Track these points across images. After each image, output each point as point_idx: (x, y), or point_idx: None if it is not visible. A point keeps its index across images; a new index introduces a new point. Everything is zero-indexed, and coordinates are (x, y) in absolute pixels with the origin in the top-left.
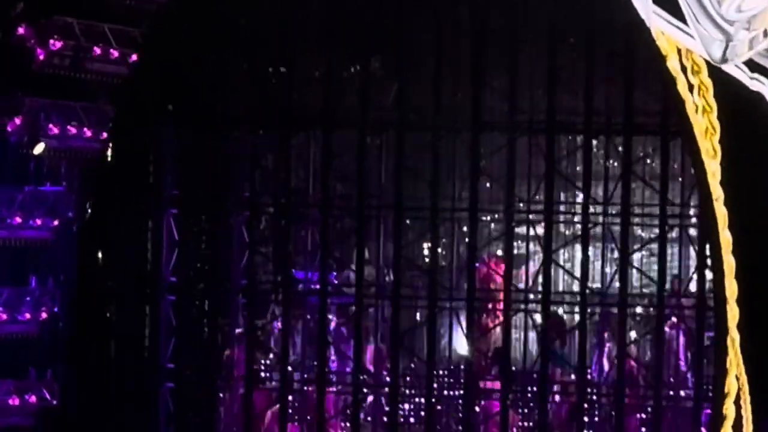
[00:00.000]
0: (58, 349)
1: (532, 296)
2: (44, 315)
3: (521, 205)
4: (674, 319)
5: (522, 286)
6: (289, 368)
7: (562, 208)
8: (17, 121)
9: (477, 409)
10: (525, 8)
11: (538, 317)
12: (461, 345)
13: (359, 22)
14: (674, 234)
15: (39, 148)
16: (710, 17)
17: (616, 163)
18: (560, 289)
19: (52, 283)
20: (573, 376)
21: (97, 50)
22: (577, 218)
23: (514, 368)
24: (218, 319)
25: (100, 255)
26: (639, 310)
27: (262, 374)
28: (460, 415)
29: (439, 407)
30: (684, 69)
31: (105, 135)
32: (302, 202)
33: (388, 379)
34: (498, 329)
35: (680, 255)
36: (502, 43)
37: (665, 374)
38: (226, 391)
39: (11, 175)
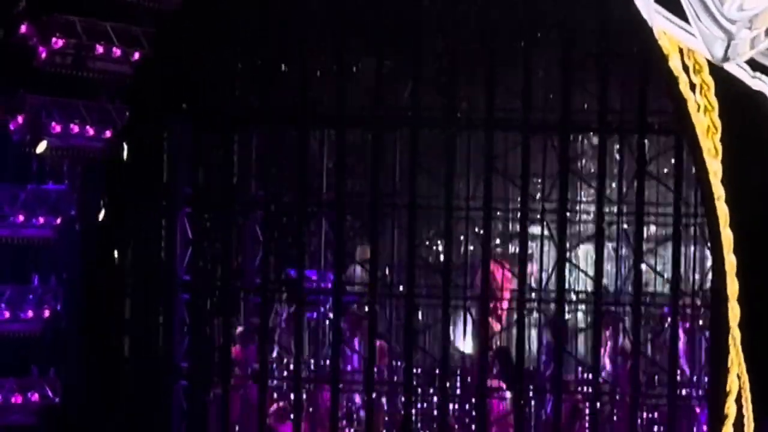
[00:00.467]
0: (61, 348)
1: (534, 295)
2: (47, 313)
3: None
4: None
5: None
6: (291, 366)
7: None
8: (19, 119)
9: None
10: (538, 5)
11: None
12: (466, 344)
13: (372, 19)
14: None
15: (41, 147)
16: (712, 16)
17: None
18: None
19: (55, 281)
20: (570, 376)
21: (100, 48)
22: (581, 217)
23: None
24: (231, 318)
25: (114, 254)
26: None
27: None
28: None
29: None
30: (686, 68)
31: (108, 133)
32: (316, 201)
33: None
34: (500, 328)
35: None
36: (515, 41)
37: (666, 374)
38: (234, 390)
39: (13, 173)
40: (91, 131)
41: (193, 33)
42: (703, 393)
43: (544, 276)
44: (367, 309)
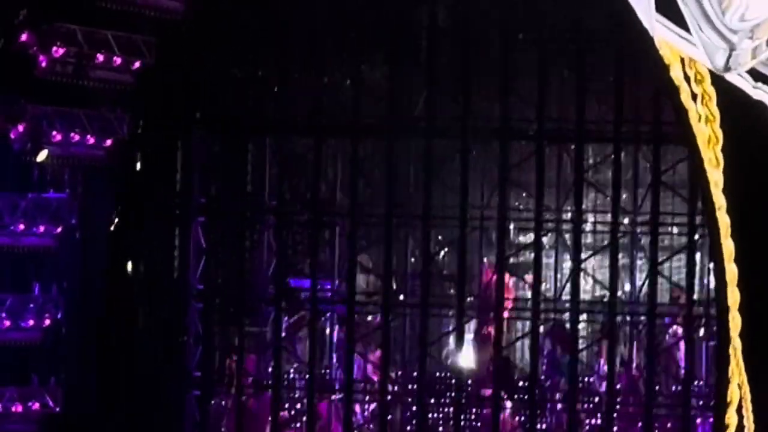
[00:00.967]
0: (62, 356)
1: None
2: (47, 322)
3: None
4: (677, 328)
5: (529, 294)
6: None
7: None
8: (20, 128)
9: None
10: (552, 15)
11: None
12: (465, 356)
13: (386, 29)
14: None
15: (42, 155)
16: (713, 26)
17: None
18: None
19: (56, 290)
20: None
21: (100, 57)
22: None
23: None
24: (244, 327)
25: (126, 263)
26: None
27: (266, 381)
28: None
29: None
30: (687, 78)
31: (109, 142)
32: (328, 211)
33: (391, 387)
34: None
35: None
36: (529, 50)
37: (666, 383)
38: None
39: (14, 182)
40: (91, 140)
41: (207, 43)
42: (703, 403)
43: (546, 285)
44: (369, 318)
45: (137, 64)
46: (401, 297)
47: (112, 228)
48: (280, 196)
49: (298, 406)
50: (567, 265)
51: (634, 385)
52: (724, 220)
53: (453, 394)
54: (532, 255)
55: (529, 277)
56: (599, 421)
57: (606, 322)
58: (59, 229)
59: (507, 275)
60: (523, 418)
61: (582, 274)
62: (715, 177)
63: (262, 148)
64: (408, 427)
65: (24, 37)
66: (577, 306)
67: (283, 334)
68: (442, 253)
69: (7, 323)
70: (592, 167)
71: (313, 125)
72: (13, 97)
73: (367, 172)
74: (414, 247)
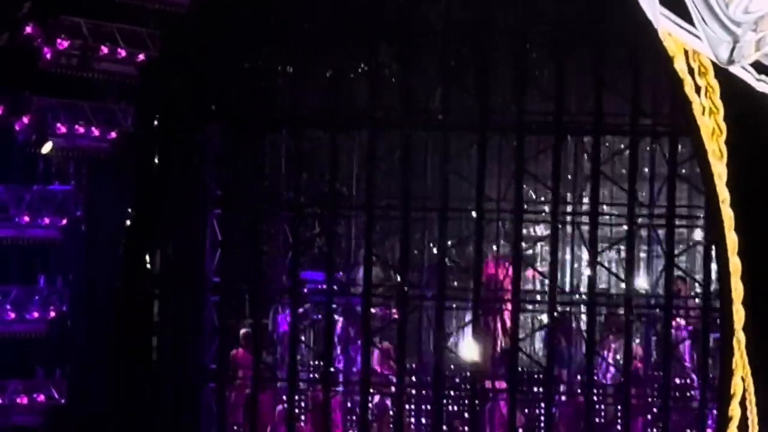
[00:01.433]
0: (67, 348)
1: (538, 296)
2: (53, 314)
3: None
4: (680, 320)
5: (530, 286)
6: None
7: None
8: (25, 120)
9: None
10: (568, 10)
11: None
12: (469, 349)
13: (402, 24)
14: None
15: (47, 147)
16: (717, 19)
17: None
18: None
19: (61, 282)
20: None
21: (105, 50)
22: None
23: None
24: (261, 319)
25: (143, 256)
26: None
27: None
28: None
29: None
30: (691, 70)
31: (114, 134)
32: (345, 204)
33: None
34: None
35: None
36: (546, 44)
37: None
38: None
39: (19, 174)
40: (96, 132)
41: (218, 36)
42: (710, 395)
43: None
44: (373, 311)
45: (141, 57)
46: (405, 289)
47: (128, 222)
48: (296, 188)
49: (301, 397)
50: (567, 258)
51: (638, 378)
52: (727, 213)
53: (467, 386)
54: (535, 248)
55: (529, 272)
56: (604, 413)
57: (608, 315)
58: (64, 222)
59: (510, 268)
60: (527, 410)
61: (586, 266)
62: (719, 169)
63: (277, 140)
64: (412, 419)
65: (29, 29)
66: (593, 299)
67: (286, 327)
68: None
69: (12, 315)
70: (609, 159)
71: (328, 118)
72: (18, 90)
73: (382, 165)
74: (422, 239)
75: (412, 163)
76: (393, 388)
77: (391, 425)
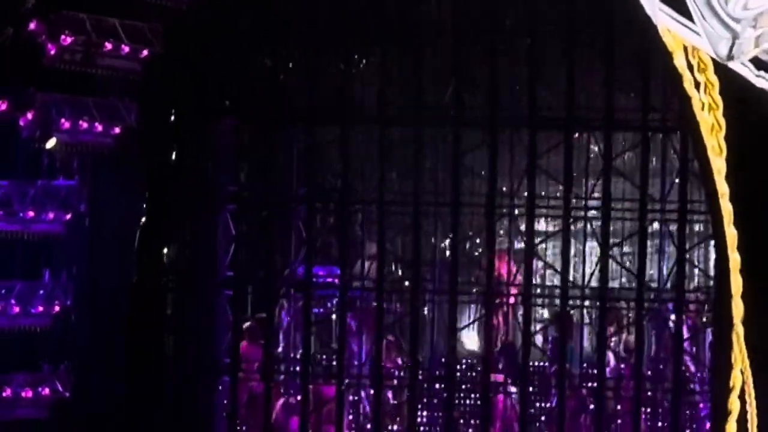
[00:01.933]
0: (72, 342)
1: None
2: (57, 308)
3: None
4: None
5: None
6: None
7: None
8: (29, 115)
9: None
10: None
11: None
12: (470, 341)
13: (411, 20)
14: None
15: (51, 143)
16: (717, 15)
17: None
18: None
19: (65, 276)
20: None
21: (108, 45)
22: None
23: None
24: (271, 313)
25: (160, 251)
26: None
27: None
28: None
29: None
30: (690, 66)
31: (117, 129)
32: (357, 199)
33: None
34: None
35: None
36: (558, 40)
37: (668, 369)
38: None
39: (24, 169)
40: (99, 127)
41: (226, 34)
42: (707, 389)
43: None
44: (374, 305)
45: (145, 53)
46: (406, 283)
47: (142, 217)
48: (308, 184)
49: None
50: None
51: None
52: (726, 208)
53: (475, 375)
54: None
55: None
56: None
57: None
58: (68, 217)
59: (512, 262)
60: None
61: (595, 261)
62: (718, 164)
63: (289, 136)
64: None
65: (33, 25)
66: (603, 294)
67: (289, 320)
68: (448, 241)
69: (17, 309)
70: (620, 155)
71: (339, 115)
72: (23, 86)
73: (395, 160)
74: (424, 234)
75: (424, 159)
76: (395, 381)
77: (397, 417)
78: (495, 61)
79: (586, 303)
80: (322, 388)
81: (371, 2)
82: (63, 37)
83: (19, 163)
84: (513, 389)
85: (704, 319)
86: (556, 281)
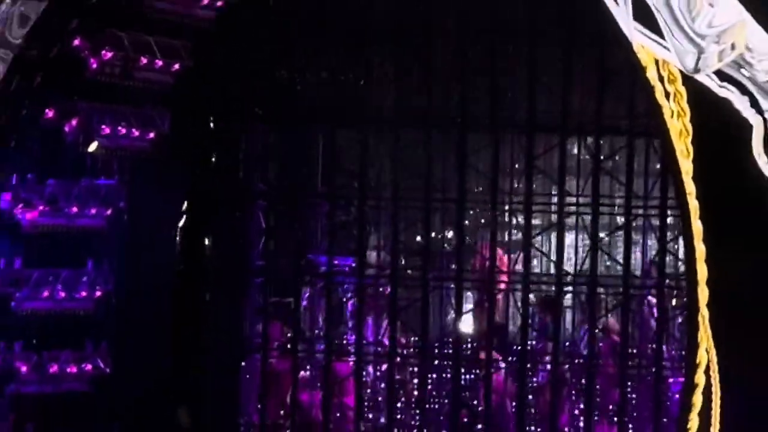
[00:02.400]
0: (111, 324)
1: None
2: (98, 293)
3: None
4: (651, 298)
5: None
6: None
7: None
8: (73, 122)
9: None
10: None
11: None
12: (465, 324)
13: (420, 24)
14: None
15: (93, 146)
16: (684, 32)
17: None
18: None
19: (107, 265)
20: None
21: (144, 60)
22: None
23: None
24: (299, 300)
25: (202, 243)
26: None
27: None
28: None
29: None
30: (661, 78)
31: (152, 134)
32: (374, 196)
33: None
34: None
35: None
36: (553, 46)
37: (643, 348)
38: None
39: (69, 170)
40: (136, 133)
41: (258, 51)
42: (676, 365)
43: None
44: (380, 290)
45: (176, 66)
46: (408, 271)
47: (184, 214)
48: (330, 182)
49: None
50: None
51: (614, 349)
52: (693, 205)
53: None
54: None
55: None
56: (583, 380)
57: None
58: (109, 212)
59: (501, 252)
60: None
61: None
62: (686, 166)
63: (313, 139)
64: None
65: (77, 42)
66: (595, 280)
67: (305, 303)
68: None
69: (63, 294)
70: (610, 157)
71: (357, 119)
72: (67, 96)
73: (406, 160)
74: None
75: (432, 159)
76: (398, 359)
77: (401, 391)
78: (495, 73)
79: (578, 288)
80: (335, 365)
81: (386, 11)
82: (103, 52)
83: (64, 165)
84: (502, 365)
85: (674, 303)
86: (545, 270)
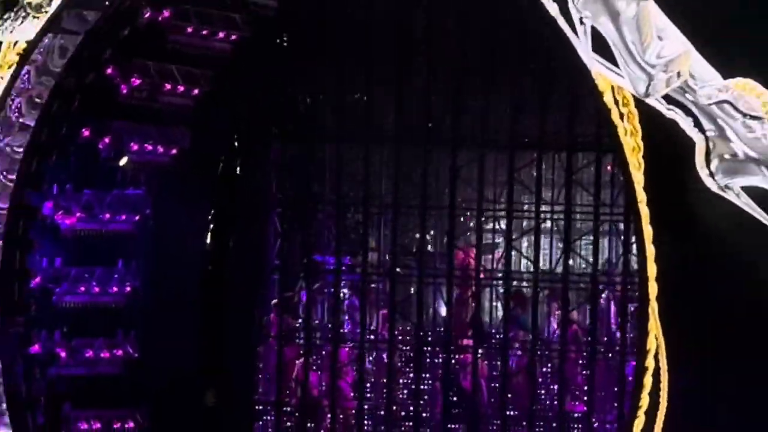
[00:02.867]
0: (140, 315)
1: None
2: (128, 289)
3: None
4: (608, 293)
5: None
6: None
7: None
8: (106, 140)
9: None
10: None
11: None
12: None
13: (420, 35)
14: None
15: (123, 161)
16: (636, 62)
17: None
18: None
19: (135, 264)
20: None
21: (167, 86)
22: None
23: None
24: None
25: (227, 242)
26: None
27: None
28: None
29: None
30: (617, 101)
31: (174, 151)
32: (379, 204)
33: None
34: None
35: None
36: (532, 75)
37: (601, 335)
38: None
39: (102, 181)
40: (161, 149)
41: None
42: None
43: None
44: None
45: (196, 91)
46: (398, 270)
47: (212, 219)
48: (338, 191)
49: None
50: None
51: (577, 337)
52: (645, 211)
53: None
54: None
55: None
56: (550, 365)
57: (552, 289)
58: (137, 218)
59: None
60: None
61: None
62: (638, 177)
63: (323, 153)
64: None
65: (109, 70)
66: (567, 276)
67: (305, 298)
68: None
69: (97, 289)
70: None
71: (363, 135)
72: (101, 117)
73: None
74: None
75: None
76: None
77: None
78: (485, 89)
79: (553, 285)
80: (337, 351)
81: (399, 32)
82: (132, 79)
83: (98, 177)
84: (480, 351)
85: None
86: (524, 268)
